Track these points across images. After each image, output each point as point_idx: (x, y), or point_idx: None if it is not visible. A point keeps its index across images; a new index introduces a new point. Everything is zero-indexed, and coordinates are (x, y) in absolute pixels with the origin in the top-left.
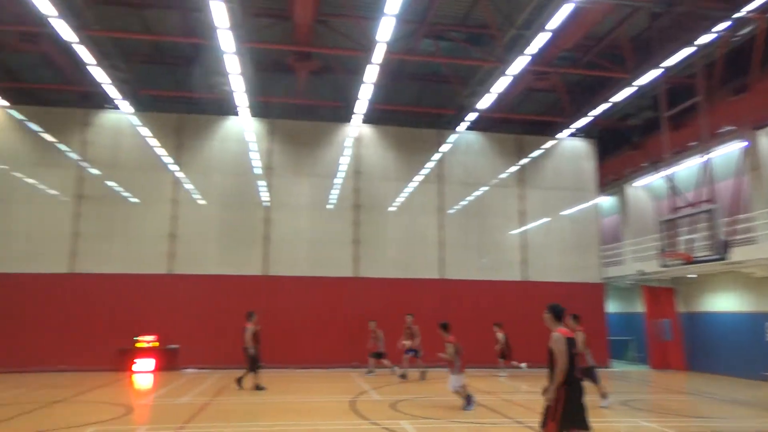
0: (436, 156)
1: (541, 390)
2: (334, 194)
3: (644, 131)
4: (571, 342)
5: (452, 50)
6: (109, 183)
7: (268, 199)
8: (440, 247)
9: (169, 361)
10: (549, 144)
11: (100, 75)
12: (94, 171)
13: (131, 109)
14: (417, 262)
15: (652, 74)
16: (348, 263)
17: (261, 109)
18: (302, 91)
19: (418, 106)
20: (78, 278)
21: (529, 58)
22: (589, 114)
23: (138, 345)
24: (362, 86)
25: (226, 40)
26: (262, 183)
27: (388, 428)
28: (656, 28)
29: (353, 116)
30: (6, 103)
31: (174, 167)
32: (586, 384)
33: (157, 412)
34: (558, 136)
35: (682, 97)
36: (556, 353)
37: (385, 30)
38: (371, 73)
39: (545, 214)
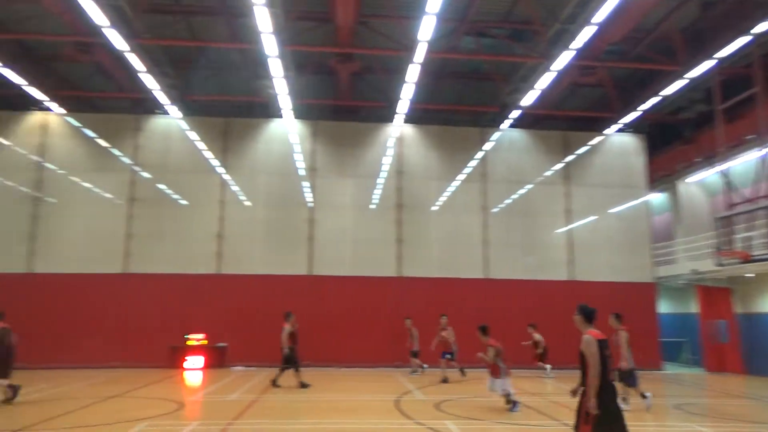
0: (479, 154)
1: (570, 391)
2: (377, 194)
3: (697, 125)
4: (603, 344)
5: (494, 47)
6: (160, 186)
7: (312, 199)
8: (484, 246)
9: (217, 359)
10: (596, 140)
11: (150, 82)
12: (146, 174)
13: (179, 114)
14: (460, 262)
15: (705, 65)
16: (391, 263)
17: (304, 111)
18: (344, 93)
19: (460, 105)
20: (131, 278)
21: (574, 52)
22: (638, 108)
23: (188, 343)
24: (404, 86)
25: (269, 44)
26: (306, 184)
27: (433, 428)
28: (709, 18)
29: (395, 116)
30: (63, 111)
31: (221, 169)
32: (619, 387)
33: (206, 408)
34: (605, 131)
35: (737, 88)
36: (587, 356)
37: (426, 29)
38: (413, 73)
39: (592, 212)
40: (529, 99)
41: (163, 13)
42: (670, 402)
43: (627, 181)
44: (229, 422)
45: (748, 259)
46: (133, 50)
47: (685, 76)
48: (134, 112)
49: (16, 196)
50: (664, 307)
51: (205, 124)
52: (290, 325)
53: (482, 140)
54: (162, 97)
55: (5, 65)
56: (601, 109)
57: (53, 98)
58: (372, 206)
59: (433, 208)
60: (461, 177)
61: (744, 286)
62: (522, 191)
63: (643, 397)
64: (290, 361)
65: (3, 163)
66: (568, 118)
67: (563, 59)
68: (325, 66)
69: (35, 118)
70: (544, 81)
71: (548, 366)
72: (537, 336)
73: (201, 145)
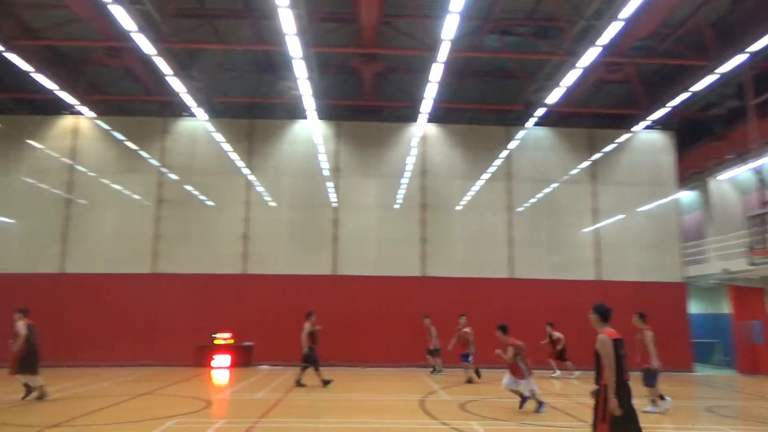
0: (504, 153)
1: (590, 393)
2: (401, 194)
3: (728, 121)
4: (618, 343)
5: (519, 45)
6: (187, 187)
7: (336, 200)
8: (509, 246)
9: (243, 358)
10: (623, 138)
11: (176, 85)
12: (173, 176)
13: (205, 116)
14: (485, 261)
15: (737, 60)
16: (415, 262)
17: (328, 112)
18: (368, 93)
19: (485, 103)
20: (160, 278)
21: (601, 49)
22: (666, 105)
23: (215, 342)
24: (427, 85)
25: (293, 46)
26: (330, 184)
27: (458, 429)
28: (740, 11)
29: (419, 116)
30: (93, 115)
31: (246, 171)
32: (638, 387)
33: (233, 406)
34: (633, 129)
35: None
36: (603, 356)
37: (449, 28)
38: (436, 72)
39: (620, 210)
40: (554, 97)
41: (190, 17)
42: (701, 404)
43: (656, 179)
44: (256, 420)
45: None
46: (160, 54)
47: (715, 71)
48: (161, 115)
49: (48, 198)
50: (694, 307)
51: (230, 125)
52: (310, 324)
53: (507, 139)
54: (188, 100)
55: (38, 71)
56: (629, 106)
57: (84, 102)
58: (396, 206)
59: (458, 207)
60: (486, 176)
61: None
62: (547, 190)
63: (662, 398)
64: (310, 360)
65: (37, 166)
66: (595, 116)
67: (589, 56)
68: (348, 66)
69: (67, 121)
70: (570, 78)
71: (569, 363)
72: (556, 334)
73: (226, 147)
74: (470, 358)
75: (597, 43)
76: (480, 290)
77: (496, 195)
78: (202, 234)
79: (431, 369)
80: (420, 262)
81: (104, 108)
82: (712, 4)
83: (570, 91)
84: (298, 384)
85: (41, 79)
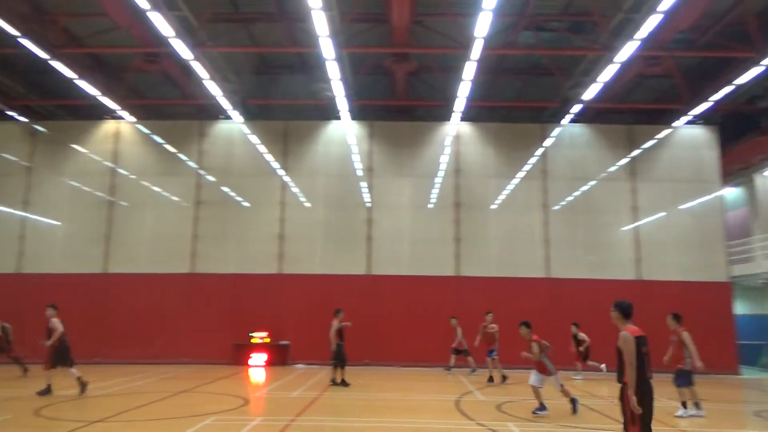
0: (539, 151)
1: (618, 397)
2: (435, 193)
3: None
4: (641, 341)
5: (554, 41)
6: (223, 188)
7: (369, 199)
8: (545, 245)
9: (280, 357)
10: (664, 133)
11: (213, 88)
12: (210, 178)
13: (241, 119)
14: (521, 261)
15: None
16: (450, 262)
17: (361, 112)
18: (401, 92)
19: (519, 101)
20: (198, 278)
21: (639, 43)
22: (709, 99)
23: (252, 341)
24: (461, 84)
25: (326, 47)
26: (363, 184)
27: (494, 430)
28: None
29: (452, 114)
30: (133, 119)
31: (281, 172)
32: (671, 389)
33: (270, 404)
34: (674, 124)
35: None
36: (624, 353)
37: (482, 25)
38: (469, 70)
39: (661, 208)
40: (591, 93)
41: (225, 22)
42: (748, 408)
43: (698, 175)
44: (292, 418)
45: None
46: (197, 59)
47: (761, 62)
48: (199, 118)
49: (92, 200)
50: (740, 307)
51: (265, 127)
52: (338, 321)
53: (542, 136)
54: (224, 103)
55: (81, 77)
56: (669, 101)
57: (124, 107)
58: (429, 205)
59: (492, 206)
60: (521, 174)
61: None
62: (584, 188)
63: (683, 405)
64: (336, 356)
65: (81, 170)
66: (634, 111)
67: (627, 50)
68: (381, 66)
69: (108, 126)
70: (607, 73)
71: (603, 366)
72: (581, 335)
73: (262, 149)
74: (495, 354)
75: (635, 36)
76: (515, 290)
77: (532, 193)
78: (238, 234)
79: (447, 367)
80: (454, 261)
81: (144, 112)
82: None
83: (607, 87)
84: (334, 383)
85: (84, 85)
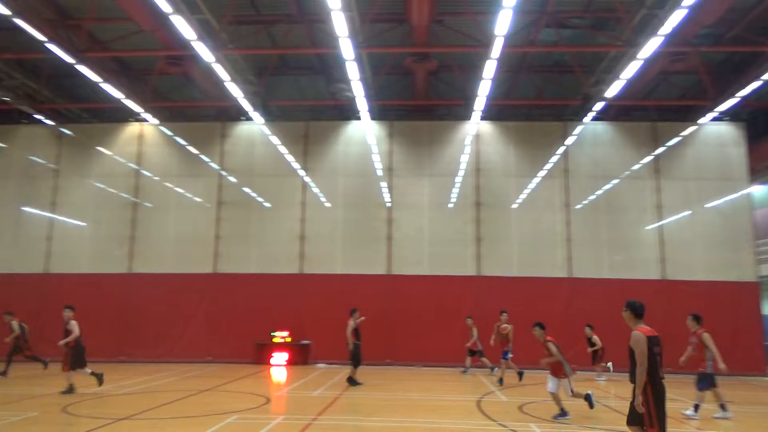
0: (561, 149)
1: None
2: (455, 192)
3: None
4: (653, 341)
5: (575, 38)
6: (245, 189)
7: (389, 199)
8: (567, 244)
9: (301, 356)
10: (689, 130)
11: (234, 90)
12: (232, 179)
13: (262, 120)
14: (542, 260)
15: None
16: (470, 262)
17: (381, 112)
18: (420, 92)
19: (541, 99)
20: (221, 277)
21: (663, 38)
22: (736, 95)
23: (274, 340)
24: (481, 82)
25: (346, 48)
26: (383, 184)
27: (516, 431)
28: None
29: (472, 113)
30: (157, 121)
31: (301, 172)
32: (690, 391)
33: (292, 403)
34: (699, 121)
35: None
36: (636, 354)
37: (503, 23)
38: (490, 69)
39: (686, 207)
40: (614, 90)
41: (246, 24)
42: None
43: (725, 173)
44: (314, 417)
45: None
46: (218, 61)
47: None
48: (220, 120)
49: (117, 201)
50: None
51: (286, 128)
52: (354, 321)
53: (564, 134)
54: (246, 104)
55: (106, 81)
56: (695, 97)
57: (148, 110)
58: (450, 205)
59: (513, 205)
60: (542, 173)
61: None
62: (607, 186)
63: (696, 407)
64: (354, 356)
65: (106, 171)
66: (658, 108)
67: (651, 46)
68: (400, 66)
69: (133, 128)
70: (630, 70)
71: (610, 364)
72: (595, 338)
73: (283, 149)
74: (509, 355)
75: (659, 32)
76: (537, 290)
77: (553, 192)
78: (260, 235)
79: (463, 369)
80: (475, 261)
81: (167, 114)
82: None
83: (631, 84)
84: (353, 383)
85: (109, 88)
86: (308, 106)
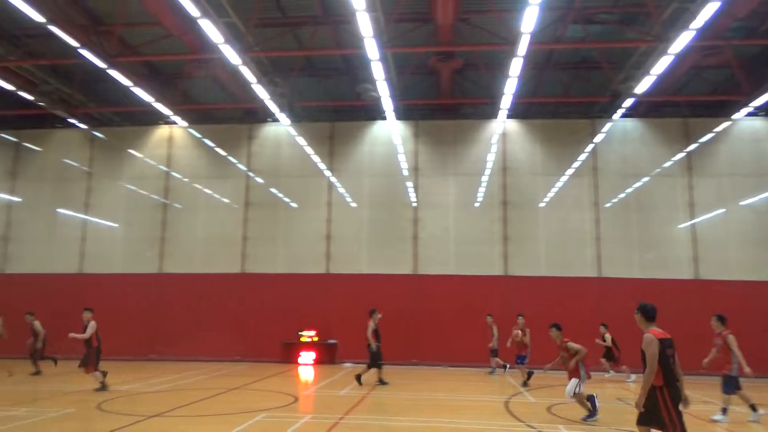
0: (589, 147)
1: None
2: (482, 192)
3: None
4: (665, 343)
5: (603, 34)
6: (272, 190)
7: (415, 199)
8: (596, 243)
9: (328, 355)
10: (722, 126)
11: (261, 92)
12: (259, 180)
13: (288, 121)
14: (571, 260)
15: None
16: (497, 261)
17: (406, 112)
18: (446, 91)
19: (568, 96)
20: (248, 278)
21: (694, 33)
22: None
23: (301, 339)
24: (507, 81)
25: (371, 48)
26: (409, 184)
27: None
28: None
29: (498, 112)
30: (185, 124)
31: (328, 172)
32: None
33: (319, 402)
34: (733, 116)
35: None
36: (647, 356)
37: (529, 21)
38: (516, 67)
39: (720, 204)
40: (643, 86)
41: (272, 26)
42: None
43: (760, 169)
44: (341, 416)
45: None
46: (245, 63)
47: None
48: (247, 122)
49: (148, 203)
50: None
51: (312, 129)
52: (373, 322)
53: (592, 132)
54: (272, 106)
55: (136, 85)
56: (728, 92)
57: (177, 112)
58: (476, 204)
59: (541, 204)
60: (570, 171)
61: None
62: (638, 184)
63: (724, 411)
64: (376, 357)
65: (136, 174)
66: (689, 104)
67: (682, 41)
68: (426, 66)
69: (162, 131)
70: (661, 66)
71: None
72: (607, 336)
73: (309, 150)
74: (525, 361)
75: (690, 26)
76: (565, 289)
77: (582, 191)
78: (287, 235)
79: (490, 370)
80: (502, 260)
81: (195, 117)
82: None
83: (661, 79)
84: (381, 382)
85: (139, 92)
86: (334, 107)
